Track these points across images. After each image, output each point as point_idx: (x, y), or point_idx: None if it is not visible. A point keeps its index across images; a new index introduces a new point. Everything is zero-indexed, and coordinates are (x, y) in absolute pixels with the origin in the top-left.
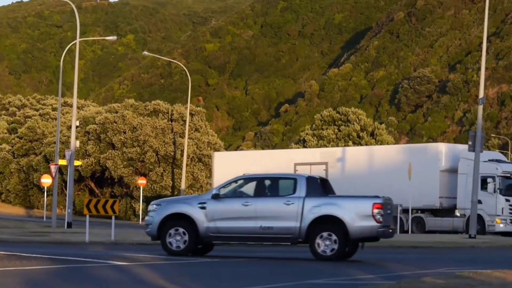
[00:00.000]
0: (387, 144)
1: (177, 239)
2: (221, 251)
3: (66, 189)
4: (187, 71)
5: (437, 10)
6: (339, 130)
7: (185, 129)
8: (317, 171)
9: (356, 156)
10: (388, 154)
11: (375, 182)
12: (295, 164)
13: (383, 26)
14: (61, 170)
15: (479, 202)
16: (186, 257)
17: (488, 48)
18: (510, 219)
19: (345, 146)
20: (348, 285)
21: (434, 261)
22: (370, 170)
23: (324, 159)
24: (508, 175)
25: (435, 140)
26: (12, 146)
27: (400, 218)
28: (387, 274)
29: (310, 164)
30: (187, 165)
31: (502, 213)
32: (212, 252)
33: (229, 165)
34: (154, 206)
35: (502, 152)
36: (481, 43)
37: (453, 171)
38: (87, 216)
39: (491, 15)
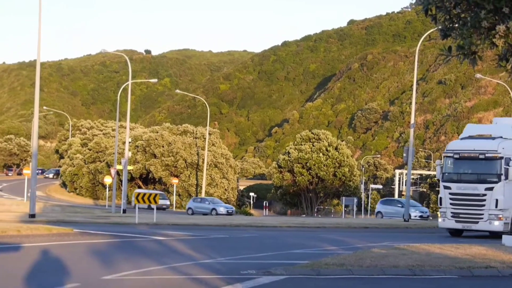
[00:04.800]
0: (347, 156)
1: None
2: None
3: (122, 186)
4: (206, 104)
5: (381, 62)
6: (313, 145)
7: (205, 144)
8: None
9: None
10: None
11: None
12: None
13: (344, 73)
14: (118, 173)
15: None
16: (207, 234)
17: (417, 89)
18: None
19: (317, 158)
20: (318, 254)
21: (381, 238)
22: None
23: None
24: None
25: (380, 153)
26: (84, 156)
27: None
28: (347, 246)
29: None
30: (206, 169)
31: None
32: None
33: None
34: None
35: (426, 162)
36: (412, 85)
37: None
38: (137, 205)
39: (419, 66)
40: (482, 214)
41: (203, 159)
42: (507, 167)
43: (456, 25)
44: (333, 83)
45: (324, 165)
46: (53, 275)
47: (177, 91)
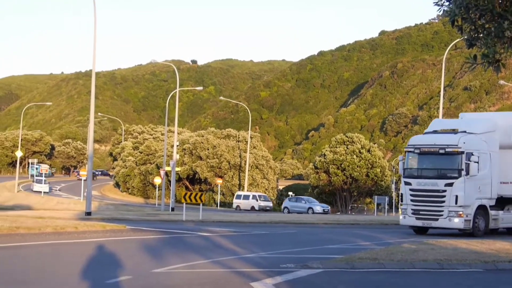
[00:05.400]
0: (379, 158)
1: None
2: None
3: (170, 186)
4: (248, 110)
5: (410, 70)
6: (347, 148)
7: (247, 147)
8: None
9: None
10: None
11: None
12: None
13: (376, 80)
14: (167, 174)
15: None
16: (251, 230)
17: (444, 95)
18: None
19: (350, 159)
20: (352, 249)
21: (410, 234)
22: None
23: None
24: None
25: None
26: (135, 158)
27: None
28: (379, 241)
29: None
30: (248, 170)
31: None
32: (263, 230)
33: None
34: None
35: None
36: (440, 91)
37: None
38: (184, 203)
39: (446, 73)
40: (442, 211)
41: (245, 161)
42: (468, 162)
43: (481, 35)
44: (366, 89)
45: (357, 166)
46: (108, 268)
47: (221, 98)
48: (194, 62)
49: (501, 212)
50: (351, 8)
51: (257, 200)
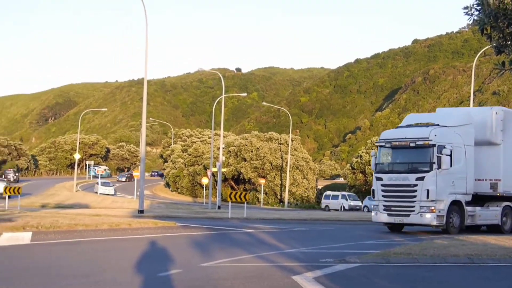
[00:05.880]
0: None
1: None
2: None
3: (217, 186)
4: (289, 114)
5: (442, 76)
6: None
7: (288, 149)
8: None
9: None
10: None
11: None
12: None
13: (409, 86)
14: (214, 174)
15: None
16: (292, 226)
17: (473, 99)
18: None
19: None
20: (387, 244)
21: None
22: None
23: None
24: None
25: None
26: (184, 160)
27: None
28: (412, 238)
29: None
30: (289, 171)
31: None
32: (301, 227)
33: None
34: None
35: None
36: (469, 96)
37: None
38: (230, 202)
39: (475, 79)
40: (414, 207)
41: (287, 162)
42: (440, 155)
43: (509, 42)
44: (400, 95)
45: None
46: (159, 262)
47: (264, 103)
48: (238, 70)
49: (478, 208)
50: (385, 18)
51: (346, 200)
